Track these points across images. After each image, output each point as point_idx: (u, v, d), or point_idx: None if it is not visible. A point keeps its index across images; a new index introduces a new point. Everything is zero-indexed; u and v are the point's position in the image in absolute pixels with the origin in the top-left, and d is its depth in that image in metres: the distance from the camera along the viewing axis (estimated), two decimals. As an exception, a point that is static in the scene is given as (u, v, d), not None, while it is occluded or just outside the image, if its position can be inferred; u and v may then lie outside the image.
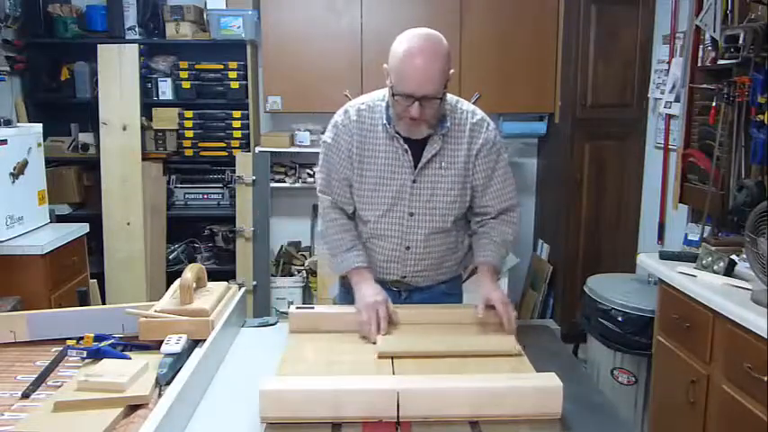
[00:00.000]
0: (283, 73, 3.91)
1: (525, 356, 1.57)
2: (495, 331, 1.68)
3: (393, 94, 1.67)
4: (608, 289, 2.86)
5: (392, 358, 1.54)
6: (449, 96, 1.81)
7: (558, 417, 1.29)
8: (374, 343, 1.62)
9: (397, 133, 1.76)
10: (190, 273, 1.69)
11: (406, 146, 1.76)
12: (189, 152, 4.04)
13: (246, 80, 3.97)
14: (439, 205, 1.80)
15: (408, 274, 1.87)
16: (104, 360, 1.50)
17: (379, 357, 1.55)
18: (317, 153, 1.94)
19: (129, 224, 3.90)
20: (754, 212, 2.02)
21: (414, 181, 1.78)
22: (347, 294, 1.95)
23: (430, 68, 1.61)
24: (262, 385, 1.28)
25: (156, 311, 1.63)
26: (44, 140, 3.22)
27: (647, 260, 2.53)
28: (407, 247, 1.83)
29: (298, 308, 1.79)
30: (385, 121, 1.77)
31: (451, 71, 1.68)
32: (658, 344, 2.47)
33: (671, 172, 3.46)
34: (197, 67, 3.99)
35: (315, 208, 3.91)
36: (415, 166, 1.77)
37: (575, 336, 3.24)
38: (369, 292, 1.73)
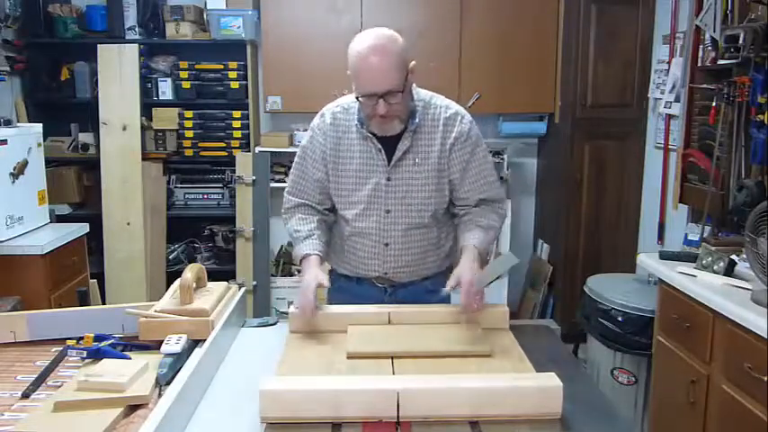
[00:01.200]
0: (283, 73, 3.91)
1: (525, 356, 1.57)
2: (467, 331, 1.68)
3: (358, 98, 1.72)
4: (608, 289, 2.86)
5: (362, 358, 1.55)
6: (423, 92, 1.84)
7: (558, 417, 1.29)
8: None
9: (371, 133, 1.79)
10: (190, 273, 1.69)
11: (379, 145, 1.79)
12: (189, 152, 4.04)
13: (246, 80, 3.98)
14: (415, 201, 1.82)
15: (390, 270, 1.89)
16: (104, 360, 1.50)
17: (348, 358, 1.55)
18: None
19: (129, 224, 3.90)
20: (754, 212, 2.02)
21: (388, 179, 1.81)
22: (337, 293, 1.96)
23: (385, 64, 1.64)
24: (262, 385, 1.28)
25: (156, 311, 1.63)
26: (44, 140, 3.22)
27: (647, 260, 2.53)
28: (386, 244, 1.85)
29: (298, 308, 1.79)
30: (357, 123, 1.80)
31: (412, 63, 1.71)
32: (658, 344, 2.47)
33: (671, 172, 3.46)
34: (197, 67, 3.99)
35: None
36: (389, 163, 1.80)
37: (575, 336, 3.24)
38: (304, 278, 1.76)
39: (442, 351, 1.59)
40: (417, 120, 1.79)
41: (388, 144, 1.79)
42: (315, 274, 1.76)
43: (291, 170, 1.95)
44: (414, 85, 1.80)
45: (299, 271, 4.14)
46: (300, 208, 1.91)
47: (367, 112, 1.73)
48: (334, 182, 1.85)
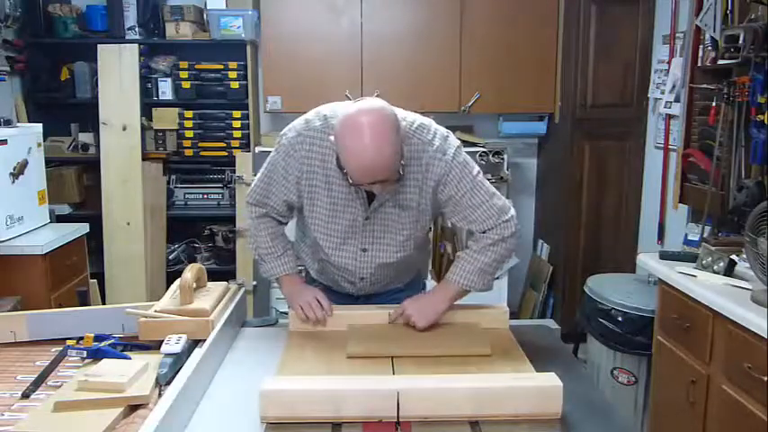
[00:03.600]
0: (283, 73, 3.91)
1: (525, 356, 1.57)
2: (467, 332, 1.69)
3: (350, 181, 1.59)
4: (608, 289, 2.86)
5: (361, 358, 1.55)
6: (406, 122, 1.66)
7: (557, 417, 1.29)
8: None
9: None
10: (190, 273, 1.69)
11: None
12: (189, 152, 4.03)
13: (246, 80, 3.97)
14: (392, 242, 1.76)
15: (365, 292, 1.90)
16: (104, 360, 1.50)
17: (348, 358, 1.56)
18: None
19: (129, 224, 3.90)
20: (754, 212, 2.02)
21: (366, 218, 1.73)
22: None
23: (381, 159, 1.49)
24: (262, 385, 1.28)
25: (156, 311, 1.63)
26: (44, 140, 3.22)
27: (647, 260, 2.53)
28: (362, 278, 1.84)
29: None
30: (336, 165, 1.64)
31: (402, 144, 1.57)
32: (658, 344, 2.47)
33: (671, 172, 3.46)
34: (197, 67, 3.98)
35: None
36: (369, 202, 1.70)
37: (575, 336, 3.24)
38: (300, 288, 1.78)
39: (442, 352, 1.59)
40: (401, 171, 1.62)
41: None
42: (310, 288, 1.78)
43: (257, 180, 1.80)
44: None
45: (299, 271, 4.16)
46: (266, 220, 1.83)
47: (358, 185, 1.61)
48: (309, 208, 1.75)
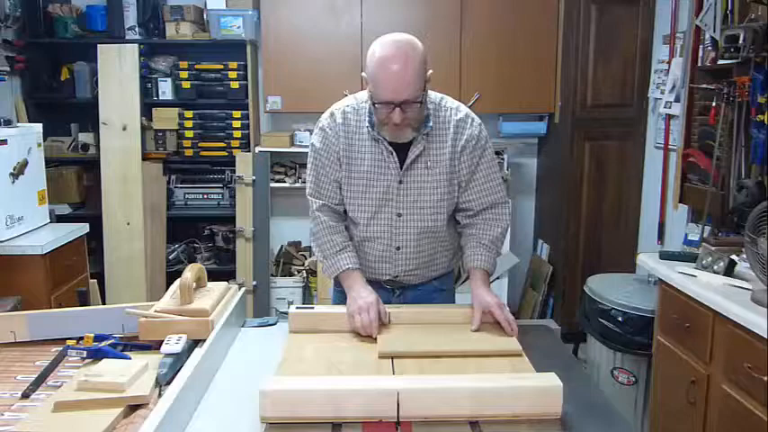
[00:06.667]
0: (283, 73, 3.91)
1: (525, 356, 1.57)
2: (496, 331, 1.68)
3: (374, 103, 1.69)
4: (608, 289, 2.86)
5: (392, 358, 1.54)
6: (433, 94, 1.82)
7: (558, 417, 1.29)
8: (375, 339, 1.64)
9: (382, 135, 1.76)
10: (190, 273, 1.69)
11: (390, 147, 1.77)
12: (189, 152, 4.04)
13: (246, 80, 3.98)
14: (426, 205, 1.81)
15: (400, 274, 1.88)
16: (104, 360, 1.50)
17: (380, 357, 1.55)
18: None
19: (129, 224, 3.90)
20: (754, 212, 2.02)
21: (400, 182, 1.79)
22: (342, 294, 1.95)
23: (405, 73, 1.62)
24: (262, 385, 1.28)
25: (156, 311, 1.63)
26: (44, 140, 3.22)
27: (647, 260, 2.53)
28: (398, 248, 1.84)
29: (298, 308, 1.79)
30: (368, 125, 1.78)
31: (429, 72, 1.69)
32: (658, 344, 2.47)
33: (671, 172, 3.46)
34: (197, 67, 3.99)
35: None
36: (401, 167, 1.78)
37: (575, 336, 3.24)
38: (360, 294, 1.73)
39: (473, 350, 1.58)
40: (431, 123, 1.77)
41: (400, 147, 1.77)
42: (370, 290, 1.75)
43: (308, 173, 1.90)
44: None
45: (298, 271, 4.17)
46: (324, 212, 1.86)
47: (381, 118, 1.70)
48: (346, 183, 1.82)
